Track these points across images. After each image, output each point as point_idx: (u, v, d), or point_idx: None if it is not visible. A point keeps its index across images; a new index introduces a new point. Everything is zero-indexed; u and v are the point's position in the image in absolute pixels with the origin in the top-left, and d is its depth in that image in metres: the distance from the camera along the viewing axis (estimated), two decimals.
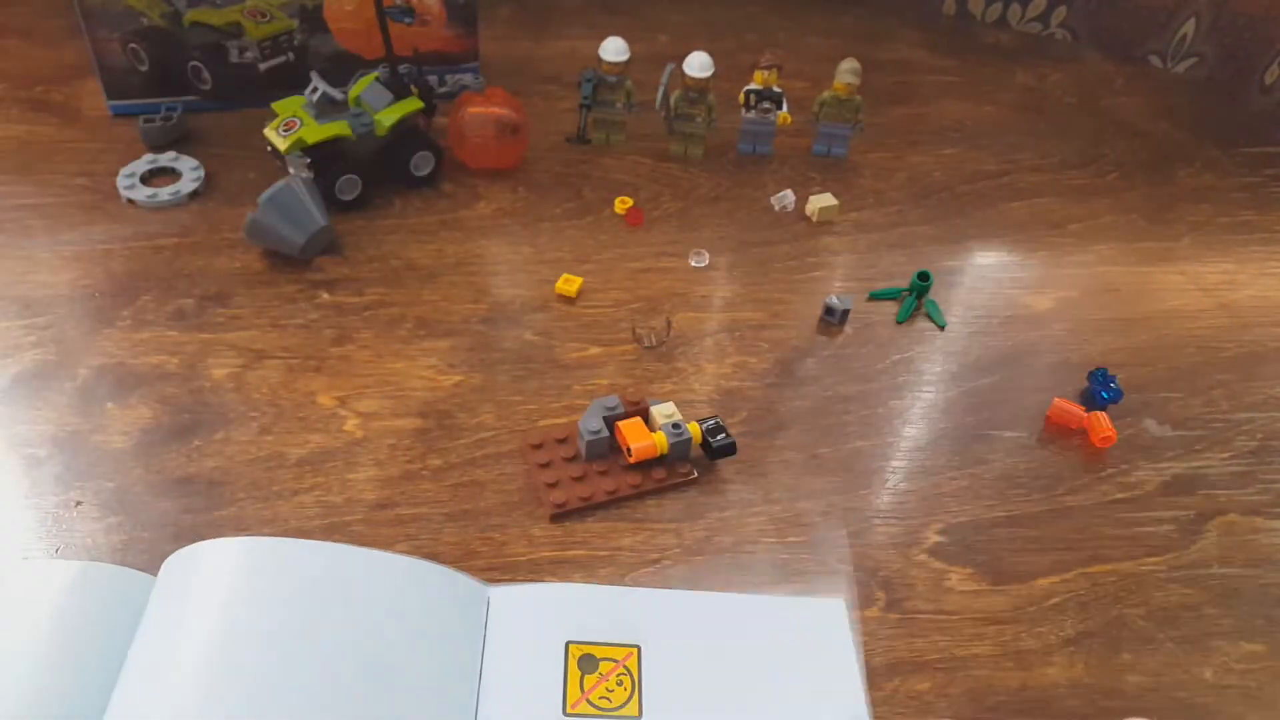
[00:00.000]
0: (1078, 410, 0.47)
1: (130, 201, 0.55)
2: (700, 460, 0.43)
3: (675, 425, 0.42)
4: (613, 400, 0.43)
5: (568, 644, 0.35)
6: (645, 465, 0.42)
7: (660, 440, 0.42)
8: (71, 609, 0.33)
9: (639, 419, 0.43)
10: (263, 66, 0.61)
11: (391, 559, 0.36)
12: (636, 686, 0.35)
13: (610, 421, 0.43)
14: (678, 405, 0.44)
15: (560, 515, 0.41)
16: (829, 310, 0.50)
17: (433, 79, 0.62)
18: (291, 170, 0.53)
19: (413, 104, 0.56)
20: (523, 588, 0.37)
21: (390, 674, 0.32)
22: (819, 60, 0.69)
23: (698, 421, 0.43)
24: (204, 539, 0.35)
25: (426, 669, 0.33)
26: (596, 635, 0.36)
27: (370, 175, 0.55)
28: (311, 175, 0.53)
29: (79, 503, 0.40)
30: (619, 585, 0.38)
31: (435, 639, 0.34)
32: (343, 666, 0.32)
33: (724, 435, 0.43)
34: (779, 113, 0.61)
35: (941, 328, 0.52)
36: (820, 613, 0.38)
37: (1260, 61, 0.73)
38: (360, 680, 0.32)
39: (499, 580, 0.38)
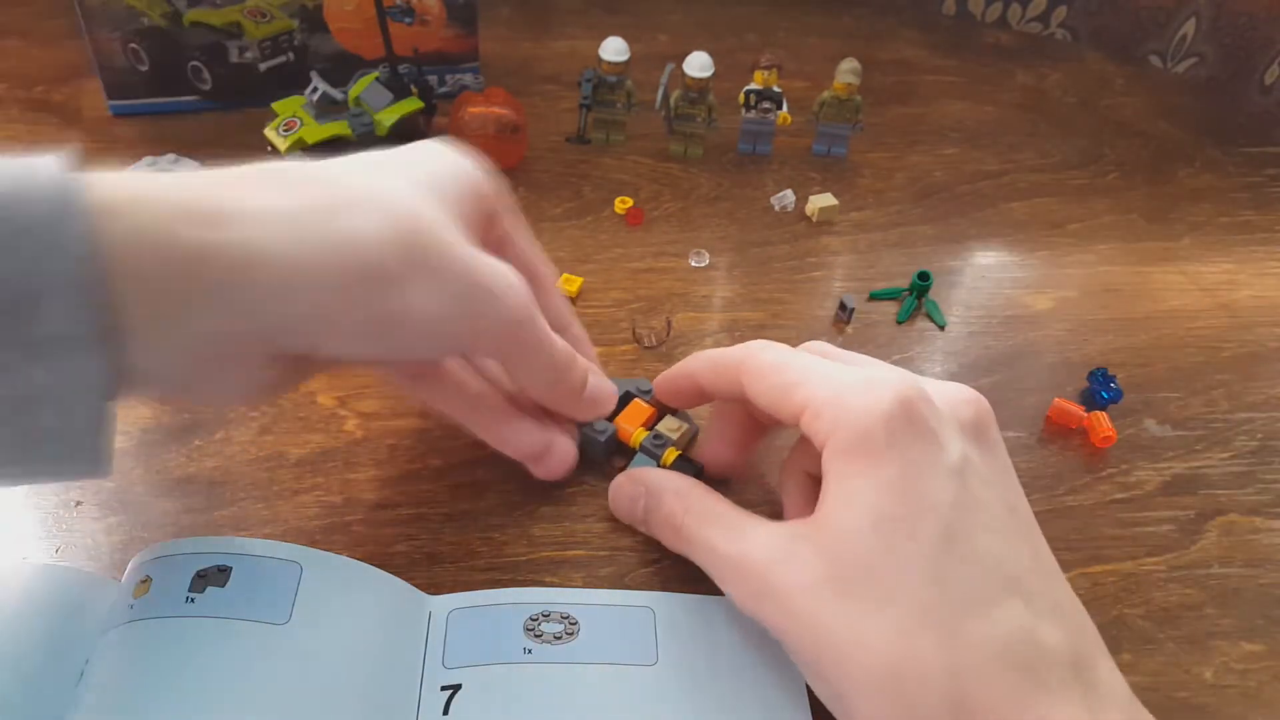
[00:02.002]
0: (1078, 410, 0.47)
1: None
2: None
3: (657, 437, 0.42)
4: (646, 384, 0.43)
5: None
6: (621, 452, 0.42)
7: (638, 436, 0.42)
8: (27, 613, 0.33)
9: (650, 409, 0.43)
10: (263, 66, 0.61)
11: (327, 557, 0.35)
12: None
13: (627, 399, 0.43)
14: None
15: None
16: (842, 306, 0.51)
17: (433, 79, 0.62)
18: None
19: (413, 104, 0.56)
20: (468, 595, 0.37)
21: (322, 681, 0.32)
22: (819, 60, 0.69)
23: (678, 449, 0.42)
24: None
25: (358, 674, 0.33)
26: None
27: None
28: None
29: (79, 503, 0.40)
30: (575, 588, 0.38)
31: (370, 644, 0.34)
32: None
33: (689, 465, 0.41)
34: (779, 113, 0.61)
35: (942, 328, 0.52)
36: None
37: (1260, 61, 0.73)
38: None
39: (501, 581, 0.38)
